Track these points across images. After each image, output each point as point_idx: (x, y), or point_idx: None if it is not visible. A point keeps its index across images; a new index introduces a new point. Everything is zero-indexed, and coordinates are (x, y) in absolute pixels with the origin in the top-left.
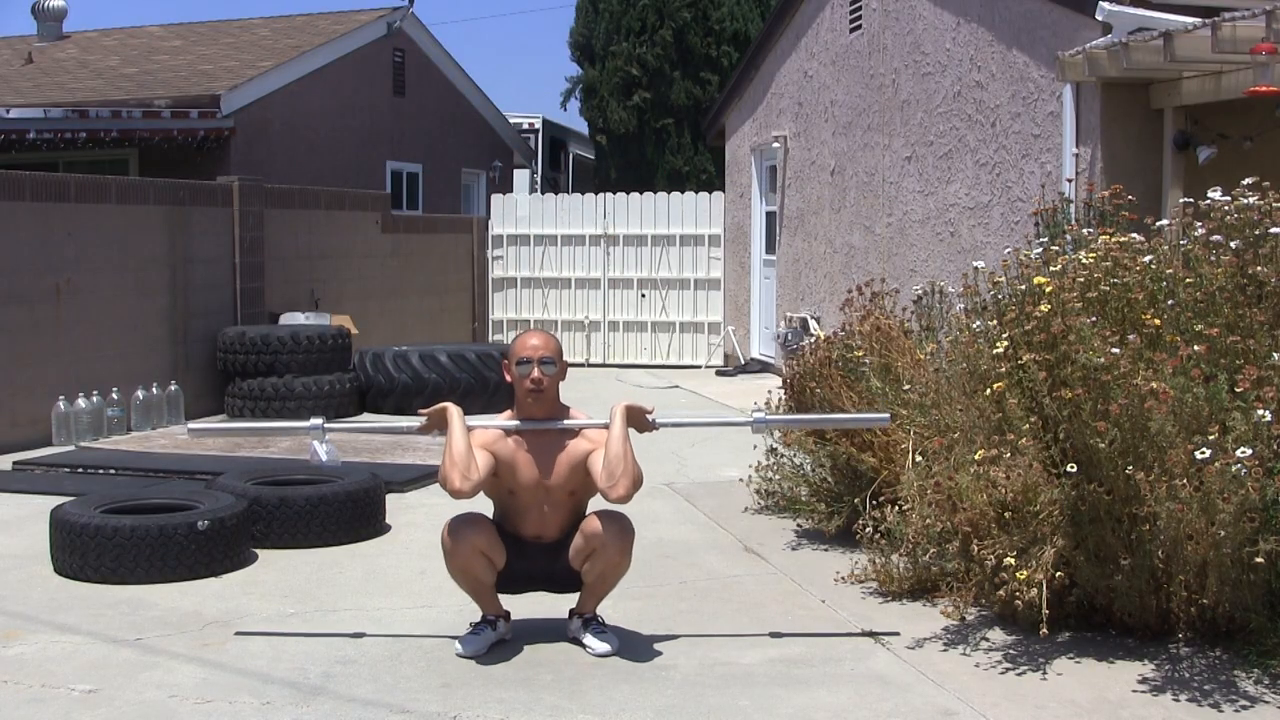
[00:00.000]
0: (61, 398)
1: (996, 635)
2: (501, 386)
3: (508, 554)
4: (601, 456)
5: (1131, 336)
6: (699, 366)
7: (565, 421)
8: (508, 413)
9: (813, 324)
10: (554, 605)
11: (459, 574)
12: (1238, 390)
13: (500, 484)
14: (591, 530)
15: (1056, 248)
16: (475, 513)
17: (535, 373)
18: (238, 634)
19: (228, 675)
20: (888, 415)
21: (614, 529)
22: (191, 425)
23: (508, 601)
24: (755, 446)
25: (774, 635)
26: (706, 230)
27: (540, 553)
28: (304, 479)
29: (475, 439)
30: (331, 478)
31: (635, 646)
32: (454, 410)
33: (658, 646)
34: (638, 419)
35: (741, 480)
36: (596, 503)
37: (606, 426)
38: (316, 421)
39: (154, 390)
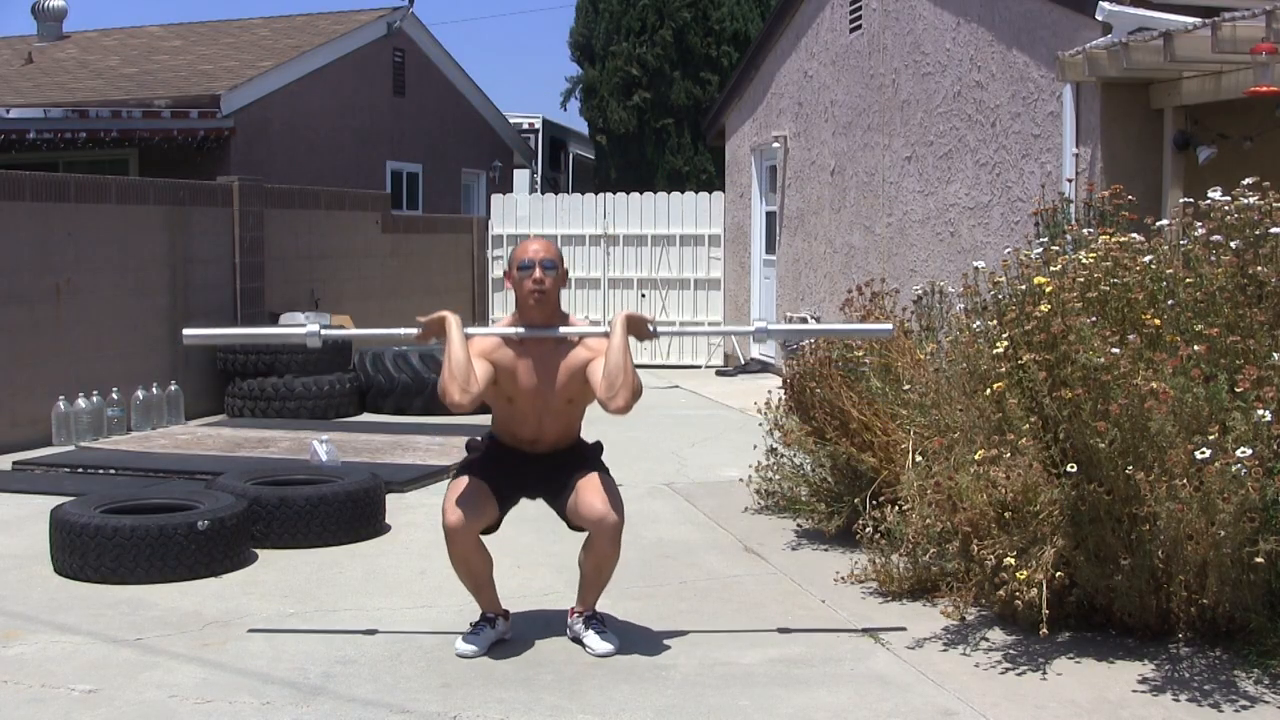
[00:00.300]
0: (61, 398)
1: (996, 635)
2: None
3: (505, 464)
4: (601, 366)
5: (1131, 336)
6: (699, 366)
7: (565, 329)
8: (506, 318)
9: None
10: (554, 601)
11: (459, 564)
12: (1238, 390)
13: (499, 391)
14: (587, 510)
15: (1056, 248)
16: (475, 485)
17: (537, 273)
18: (238, 634)
19: (228, 675)
20: (890, 327)
21: (611, 516)
22: (187, 331)
23: (506, 599)
24: (755, 446)
25: (775, 634)
26: (706, 230)
27: (535, 461)
28: (304, 479)
29: (474, 347)
30: (331, 478)
31: (635, 646)
32: (452, 318)
33: (658, 646)
34: (638, 327)
35: (741, 480)
36: (596, 431)
37: (607, 335)
38: (313, 329)
39: (154, 390)
